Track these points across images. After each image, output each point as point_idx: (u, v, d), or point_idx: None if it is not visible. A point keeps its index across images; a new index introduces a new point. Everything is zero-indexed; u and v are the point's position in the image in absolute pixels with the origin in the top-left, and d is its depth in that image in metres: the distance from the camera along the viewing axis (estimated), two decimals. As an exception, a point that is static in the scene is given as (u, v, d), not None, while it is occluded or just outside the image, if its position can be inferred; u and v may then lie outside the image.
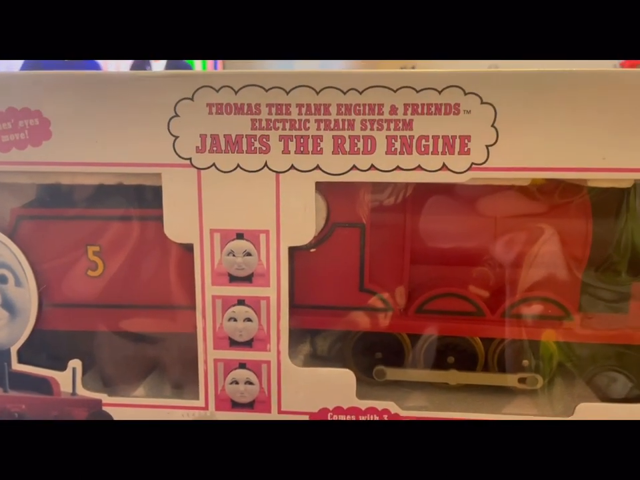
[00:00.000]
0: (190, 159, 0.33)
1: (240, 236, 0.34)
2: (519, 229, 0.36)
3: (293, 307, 0.36)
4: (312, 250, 0.35)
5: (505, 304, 0.36)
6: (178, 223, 0.34)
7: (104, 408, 0.36)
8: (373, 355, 0.39)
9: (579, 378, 0.38)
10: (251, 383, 0.35)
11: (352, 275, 0.36)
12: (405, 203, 0.36)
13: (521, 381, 0.38)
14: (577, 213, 0.36)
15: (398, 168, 0.32)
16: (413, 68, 0.34)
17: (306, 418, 0.35)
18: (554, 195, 0.37)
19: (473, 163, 0.32)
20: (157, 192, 0.34)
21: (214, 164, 0.33)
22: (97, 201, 0.36)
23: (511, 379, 0.38)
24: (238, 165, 0.33)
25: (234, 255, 0.34)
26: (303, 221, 0.33)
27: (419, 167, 0.32)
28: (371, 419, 0.35)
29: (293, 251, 0.35)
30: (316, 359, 0.39)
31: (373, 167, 0.32)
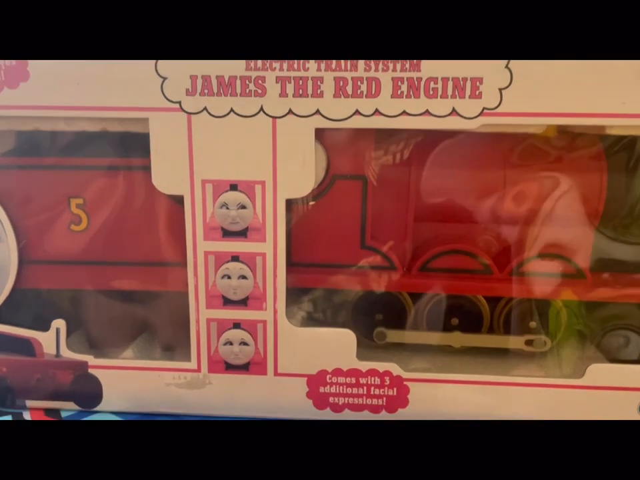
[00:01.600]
0: (179, 102, 0.30)
1: (234, 187, 0.31)
2: (529, 183, 0.34)
3: (291, 264, 0.34)
4: (311, 203, 0.33)
5: (513, 261, 0.34)
6: (167, 173, 0.31)
7: (90, 370, 0.35)
8: (373, 317, 0.38)
9: (588, 339, 0.36)
10: (245, 344, 0.34)
11: (353, 231, 0.34)
12: (410, 154, 0.34)
13: (528, 343, 0.36)
14: (591, 166, 0.34)
15: (404, 113, 0.30)
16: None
17: (303, 380, 0.34)
18: (567, 147, 0.35)
19: (484, 108, 0.29)
20: (143, 139, 0.31)
21: (205, 108, 0.30)
22: (79, 150, 0.33)
23: (517, 341, 0.36)
24: (231, 110, 0.30)
25: (227, 208, 0.32)
26: (301, 172, 0.31)
27: (427, 112, 0.30)
28: (372, 382, 0.34)
29: (290, 204, 0.33)
30: (314, 320, 0.37)
31: (377, 111, 0.30)
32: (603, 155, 0.35)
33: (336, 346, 0.33)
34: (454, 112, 0.30)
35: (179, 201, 0.32)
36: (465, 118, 0.30)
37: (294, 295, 0.36)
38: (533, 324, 0.36)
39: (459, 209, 0.34)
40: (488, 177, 0.34)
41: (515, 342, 0.36)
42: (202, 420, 0.34)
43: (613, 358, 0.35)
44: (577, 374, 0.33)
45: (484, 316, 0.37)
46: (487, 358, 0.37)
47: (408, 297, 0.37)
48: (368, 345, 0.37)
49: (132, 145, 0.32)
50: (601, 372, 0.32)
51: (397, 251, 0.35)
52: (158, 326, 0.36)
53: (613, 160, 0.35)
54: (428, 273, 0.35)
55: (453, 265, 0.34)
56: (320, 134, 0.31)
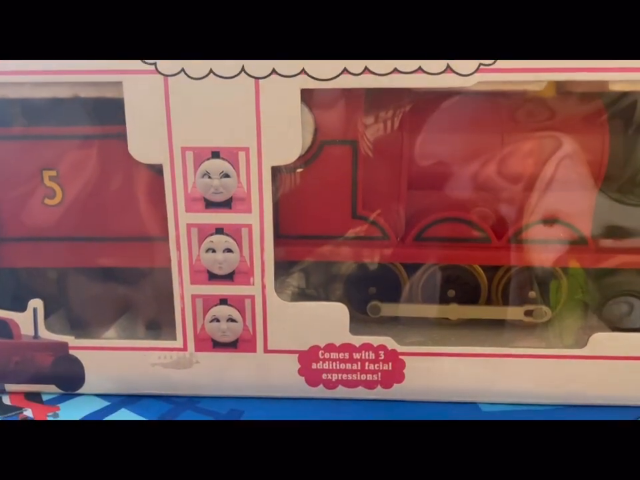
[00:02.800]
0: (155, 64, 0.28)
1: (216, 154, 0.30)
2: (527, 146, 0.32)
3: (279, 236, 0.33)
4: (298, 170, 0.31)
5: (512, 228, 0.33)
6: (144, 141, 0.29)
7: (71, 352, 0.33)
8: (366, 290, 0.36)
9: (590, 308, 0.35)
10: (233, 321, 0.32)
11: (343, 199, 0.32)
12: (403, 118, 0.32)
13: (528, 313, 0.35)
14: (592, 127, 0.33)
15: (395, 71, 0.28)
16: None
17: (295, 357, 0.33)
18: (567, 108, 0.33)
19: (480, 64, 0.28)
20: (118, 105, 0.29)
21: (183, 69, 0.28)
22: (50, 118, 0.31)
23: (516, 312, 0.35)
24: (211, 71, 0.28)
25: (209, 177, 0.30)
26: (287, 137, 0.29)
27: (420, 70, 0.28)
28: (366, 357, 0.33)
29: (276, 172, 0.32)
30: (305, 295, 0.35)
31: (366, 69, 0.28)
32: (605, 115, 0.33)
33: (328, 320, 0.32)
34: (448, 69, 0.28)
35: (158, 170, 0.30)
36: (460, 75, 0.28)
37: (283, 268, 0.34)
38: (532, 294, 0.35)
39: (455, 174, 0.33)
40: (484, 140, 0.32)
41: (513, 313, 0.35)
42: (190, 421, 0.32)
43: (616, 326, 0.34)
44: (578, 344, 0.32)
45: (481, 287, 0.36)
46: (486, 330, 0.36)
47: (402, 269, 0.36)
48: (361, 319, 0.36)
49: (106, 112, 0.30)
50: (604, 341, 0.31)
51: (390, 220, 0.33)
52: (141, 304, 0.35)
53: (614, 120, 0.33)
54: (422, 243, 0.33)
55: (449, 234, 0.33)
56: (306, 96, 0.29)
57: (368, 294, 0.36)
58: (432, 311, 0.36)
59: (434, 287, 0.36)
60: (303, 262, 0.34)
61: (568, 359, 0.31)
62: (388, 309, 0.35)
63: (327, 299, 0.35)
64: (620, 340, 0.31)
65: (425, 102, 0.33)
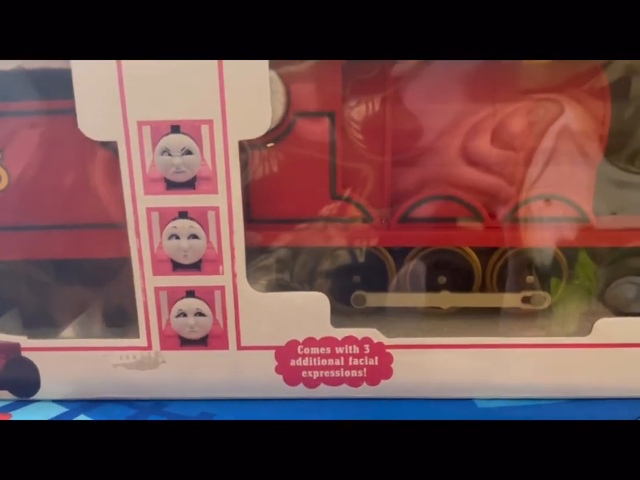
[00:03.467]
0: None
1: (176, 129, 0.26)
2: (521, 117, 0.30)
3: (250, 220, 0.30)
4: (269, 145, 0.29)
5: (506, 206, 0.30)
6: (95, 116, 0.26)
7: (24, 354, 0.30)
8: (350, 278, 0.33)
9: (593, 292, 0.32)
10: (202, 315, 0.29)
11: (321, 178, 0.29)
12: (385, 87, 0.30)
13: (525, 300, 0.32)
14: (591, 96, 0.30)
15: (373, 30, 0.25)
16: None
17: (271, 353, 0.30)
18: (564, 74, 0.30)
19: (468, 21, 0.25)
20: (65, 77, 0.26)
21: (135, 33, 0.26)
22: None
23: (513, 299, 0.32)
24: (166, 33, 0.25)
25: (170, 154, 0.27)
26: (255, 108, 0.26)
27: (401, 28, 0.25)
28: (350, 351, 0.30)
29: (245, 148, 0.29)
30: (281, 285, 0.32)
31: (341, 29, 0.25)
32: (606, 82, 0.30)
33: (307, 312, 0.29)
34: (432, 27, 0.25)
35: (112, 148, 0.27)
36: (445, 33, 0.25)
37: (256, 255, 0.31)
38: (530, 278, 0.32)
39: (443, 148, 0.30)
40: (475, 110, 0.30)
41: (510, 300, 0.32)
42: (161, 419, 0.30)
43: (622, 311, 0.32)
44: (582, 331, 0.29)
45: (475, 272, 0.33)
46: (481, 320, 0.33)
47: (389, 255, 0.33)
48: (344, 310, 0.33)
49: (53, 85, 0.27)
50: (610, 327, 0.28)
51: (373, 200, 0.30)
52: (101, 299, 0.32)
53: (616, 89, 0.31)
54: (409, 224, 0.30)
55: (437, 214, 0.30)
56: (276, 62, 0.27)
57: (352, 283, 0.33)
58: (421, 299, 0.33)
59: (423, 273, 0.33)
60: (278, 248, 0.31)
61: (570, 347, 0.28)
62: (374, 299, 0.33)
63: (307, 288, 0.32)
64: (627, 325, 0.28)
65: (410, 70, 0.30)
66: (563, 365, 0.29)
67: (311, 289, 0.31)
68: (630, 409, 0.29)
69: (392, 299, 0.33)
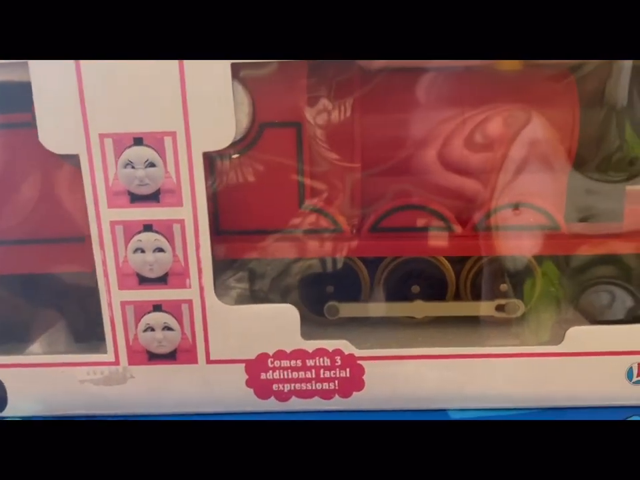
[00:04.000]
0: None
1: (138, 141, 0.26)
2: (491, 123, 0.29)
3: (219, 232, 0.30)
4: (233, 156, 0.28)
5: (477, 215, 0.30)
6: (56, 128, 0.26)
7: (-13, 371, 0.30)
8: (323, 289, 0.33)
9: (566, 299, 0.32)
10: (170, 329, 0.28)
11: (289, 188, 0.29)
12: (354, 96, 0.29)
13: (499, 308, 0.32)
14: (561, 103, 0.30)
15: (336, 39, 0.25)
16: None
17: (241, 367, 0.29)
18: (533, 81, 0.30)
19: (432, 29, 0.25)
20: (25, 89, 0.26)
21: (94, 44, 0.25)
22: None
23: (487, 307, 0.32)
24: (126, 45, 0.25)
25: (133, 167, 0.26)
26: (218, 119, 0.26)
27: (363, 37, 0.25)
28: (321, 363, 0.29)
29: (213, 160, 0.28)
30: (253, 298, 0.32)
31: (303, 38, 0.25)
32: (575, 89, 0.30)
33: (276, 325, 0.28)
34: (396, 36, 0.25)
35: (74, 161, 0.27)
36: (409, 42, 0.25)
37: (226, 268, 0.31)
38: (503, 286, 0.32)
39: (413, 157, 0.30)
40: (445, 119, 0.29)
41: (484, 308, 0.32)
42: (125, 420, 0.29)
43: (595, 319, 0.31)
44: (554, 340, 0.29)
45: (448, 281, 0.33)
46: (455, 329, 0.32)
47: (362, 265, 0.33)
48: (318, 321, 0.32)
49: (12, 97, 0.27)
50: (582, 335, 0.28)
51: (342, 210, 0.30)
52: (67, 314, 0.31)
53: (585, 94, 0.30)
54: (380, 234, 0.30)
55: (408, 223, 0.29)
56: (241, 73, 0.26)
57: (325, 293, 0.33)
58: (395, 309, 0.33)
59: (396, 283, 0.33)
60: (248, 260, 0.31)
61: (543, 357, 0.28)
62: (347, 310, 0.32)
63: (279, 300, 0.32)
64: (599, 334, 0.28)
65: (379, 78, 0.30)
66: (536, 374, 0.28)
67: (284, 301, 0.31)
68: (612, 413, 0.29)
69: (365, 309, 0.33)
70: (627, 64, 0.30)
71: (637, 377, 0.29)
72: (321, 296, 0.32)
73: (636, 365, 0.29)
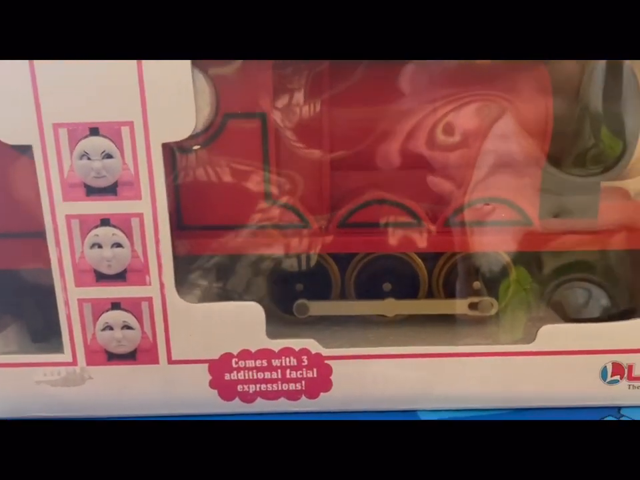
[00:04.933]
0: (12, 23, 0.24)
1: (94, 131, 0.25)
2: (462, 117, 0.29)
3: (182, 227, 0.29)
4: (195, 148, 0.27)
5: (448, 210, 0.29)
6: (7, 118, 0.25)
7: None
8: (293, 287, 0.32)
9: (539, 297, 0.32)
10: (129, 328, 0.27)
11: (255, 182, 0.28)
12: (322, 87, 0.29)
13: (472, 306, 0.31)
14: (534, 96, 0.29)
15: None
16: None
17: (204, 367, 0.28)
18: (506, 73, 0.30)
19: (398, 16, 0.24)
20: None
21: (46, 29, 0.24)
22: None
23: (459, 305, 0.31)
24: (80, 30, 0.24)
25: (89, 158, 0.25)
26: (178, 108, 0.25)
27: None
28: (287, 363, 0.28)
29: (174, 152, 0.27)
30: (219, 296, 0.31)
31: (265, 25, 0.24)
32: (549, 82, 0.30)
33: (241, 323, 0.27)
34: (362, 23, 0.24)
35: (27, 152, 0.26)
36: (375, 30, 0.24)
37: (190, 265, 0.30)
38: (477, 284, 0.31)
39: (382, 151, 0.29)
40: (415, 112, 0.29)
41: (457, 306, 0.31)
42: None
43: (570, 317, 0.31)
44: (527, 338, 0.28)
45: (421, 279, 0.32)
46: (428, 328, 0.32)
47: (332, 262, 0.32)
48: (287, 320, 0.32)
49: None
50: (555, 334, 0.27)
51: (310, 205, 0.29)
52: (23, 313, 0.30)
53: (560, 88, 0.30)
54: (348, 230, 0.29)
55: (377, 219, 0.29)
56: (203, 61, 0.25)
57: (294, 291, 0.32)
58: (366, 307, 0.32)
59: (368, 280, 0.32)
60: (212, 256, 0.30)
61: (514, 355, 0.27)
62: (317, 308, 0.31)
63: (246, 298, 0.31)
64: (572, 332, 0.27)
65: (348, 69, 0.29)
66: (508, 374, 0.28)
67: (251, 299, 0.30)
68: (585, 413, 0.28)
69: (336, 308, 0.32)
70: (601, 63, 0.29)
71: (612, 376, 0.28)
72: (290, 294, 0.32)
73: (610, 364, 0.28)
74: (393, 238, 0.29)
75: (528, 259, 0.30)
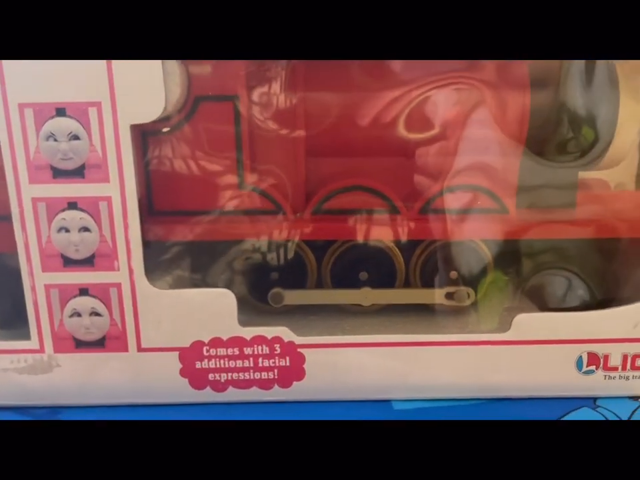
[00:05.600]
0: (-25, -1, 0.23)
1: (61, 112, 0.24)
2: (437, 103, 0.28)
3: (153, 213, 0.28)
4: (164, 130, 0.27)
5: (423, 197, 0.28)
6: (-29, 97, 0.25)
7: None
8: (268, 275, 0.32)
9: (515, 286, 0.31)
10: (97, 314, 0.27)
11: (227, 167, 0.28)
12: (295, 71, 0.28)
13: (449, 296, 0.31)
14: (511, 83, 0.29)
15: None
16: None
17: (175, 355, 0.28)
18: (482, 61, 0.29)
19: None
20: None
21: (10, 5, 0.23)
22: None
23: (436, 295, 0.31)
24: (45, 7, 0.23)
25: (55, 140, 0.25)
26: (147, 89, 0.24)
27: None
28: (259, 352, 0.28)
29: (145, 135, 0.27)
30: (192, 284, 0.31)
31: (235, 4, 0.23)
32: (526, 71, 0.29)
33: (212, 311, 0.27)
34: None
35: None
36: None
37: (161, 250, 0.29)
38: (454, 274, 0.31)
39: (357, 136, 0.28)
40: (391, 98, 0.28)
41: (433, 296, 0.31)
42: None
43: (546, 306, 0.30)
44: (501, 327, 0.28)
45: (397, 267, 0.32)
46: (405, 318, 0.31)
47: (308, 250, 0.31)
48: (263, 309, 0.31)
49: None
50: (530, 323, 0.27)
51: (284, 191, 0.28)
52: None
53: (537, 75, 0.30)
54: (322, 217, 0.28)
55: (352, 205, 0.28)
56: (171, 41, 0.25)
57: (269, 280, 0.31)
58: (342, 297, 0.31)
59: (344, 269, 0.32)
60: (185, 242, 0.29)
61: (489, 345, 0.27)
62: (292, 297, 0.31)
63: (220, 286, 0.30)
64: (547, 321, 0.27)
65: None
66: (482, 363, 0.27)
67: (225, 287, 0.29)
68: (550, 410, 0.28)
69: (311, 297, 0.31)
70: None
71: (587, 366, 0.28)
72: (265, 282, 0.31)
73: (586, 354, 0.28)
74: (368, 225, 0.28)
75: (504, 247, 0.30)
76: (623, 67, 0.28)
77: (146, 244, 0.27)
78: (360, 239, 0.29)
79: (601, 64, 0.29)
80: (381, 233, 0.29)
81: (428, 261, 0.31)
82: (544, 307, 0.30)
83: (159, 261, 0.29)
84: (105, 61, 0.24)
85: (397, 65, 0.28)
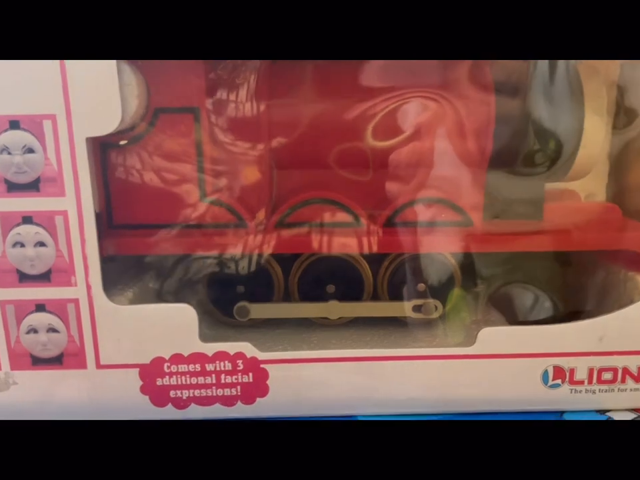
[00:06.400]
0: None
1: (15, 125, 0.24)
2: (403, 116, 0.28)
3: (113, 226, 0.27)
4: (121, 143, 0.26)
5: (387, 210, 0.28)
6: None
7: None
8: (233, 289, 0.31)
9: (480, 300, 0.31)
10: (55, 331, 0.26)
11: (188, 179, 0.27)
12: (258, 82, 0.28)
13: (416, 309, 0.31)
14: (476, 93, 0.29)
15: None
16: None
17: (135, 372, 0.27)
18: (446, 69, 0.29)
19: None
20: None
21: (-40, 16, 0.23)
22: None
23: (403, 308, 0.30)
24: None
25: (9, 153, 0.24)
26: (103, 101, 0.24)
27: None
28: (222, 368, 0.27)
29: (104, 148, 0.26)
30: (156, 299, 0.30)
31: (192, 16, 0.23)
32: (491, 80, 0.29)
33: (173, 327, 0.26)
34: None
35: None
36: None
37: (122, 265, 0.29)
38: (421, 286, 0.31)
39: (321, 149, 0.28)
40: (356, 107, 0.28)
41: (401, 309, 0.30)
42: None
43: (513, 319, 0.30)
44: (467, 341, 0.27)
45: (365, 281, 0.31)
46: (373, 331, 0.31)
47: (275, 263, 0.31)
48: (229, 323, 0.31)
49: None
50: (495, 337, 0.27)
51: (247, 204, 0.28)
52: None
53: (502, 88, 0.29)
54: (284, 230, 0.28)
55: (315, 218, 0.28)
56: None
57: (235, 294, 0.31)
58: (309, 310, 0.31)
59: (311, 282, 0.31)
60: (146, 257, 0.29)
61: (454, 359, 0.27)
62: (258, 311, 0.30)
63: (183, 301, 0.30)
64: (513, 335, 0.27)
65: (288, 64, 0.28)
66: (448, 378, 0.27)
67: (189, 302, 0.29)
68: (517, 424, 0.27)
69: (278, 310, 0.31)
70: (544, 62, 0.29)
71: (553, 380, 0.28)
72: (231, 296, 0.31)
73: (551, 367, 0.28)
74: (332, 238, 0.28)
75: (470, 259, 0.29)
76: (587, 77, 0.28)
77: (105, 258, 0.26)
78: (324, 251, 0.29)
79: (565, 73, 0.29)
80: (344, 246, 0.28)
81: (395, 274, 0.31)
82: (510, 319, 0.30)
83: (119, 276, 0.28)
84: (59, 72, 0.23)
85: (363, 74, 0.28)
